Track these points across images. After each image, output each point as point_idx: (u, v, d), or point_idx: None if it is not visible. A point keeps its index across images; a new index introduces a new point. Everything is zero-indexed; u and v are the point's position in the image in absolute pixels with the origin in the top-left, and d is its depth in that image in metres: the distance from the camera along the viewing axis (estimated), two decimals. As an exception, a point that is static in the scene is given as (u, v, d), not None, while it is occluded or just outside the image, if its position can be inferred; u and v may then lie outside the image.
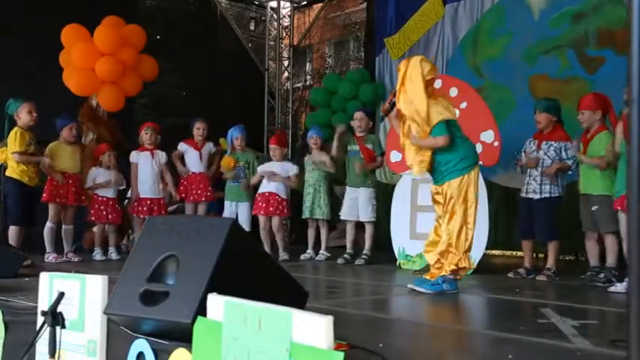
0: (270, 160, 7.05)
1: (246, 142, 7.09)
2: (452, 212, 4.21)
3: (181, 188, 6.99)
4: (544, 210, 5.16)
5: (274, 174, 6.68)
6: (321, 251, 6.81)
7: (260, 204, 6.70)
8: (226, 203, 6.98)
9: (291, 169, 6.81)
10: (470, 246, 4.27)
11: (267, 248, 6.77)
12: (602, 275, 4.80)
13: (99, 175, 6.58)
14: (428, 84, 4.23)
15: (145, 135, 6.77)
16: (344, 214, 6.57)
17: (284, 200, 6.75)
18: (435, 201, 4.38)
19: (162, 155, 6.81)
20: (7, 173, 6.03)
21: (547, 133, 5.23)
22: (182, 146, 6.99)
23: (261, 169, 6.84)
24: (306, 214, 6.81)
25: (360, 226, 6.69)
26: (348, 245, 6.62)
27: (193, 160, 6.95)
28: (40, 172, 6.17)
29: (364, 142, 6.44)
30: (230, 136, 7.01)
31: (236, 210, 6.89)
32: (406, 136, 4.33)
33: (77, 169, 6.38)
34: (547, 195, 5.15)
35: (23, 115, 5.94)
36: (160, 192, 6.81)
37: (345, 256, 6.46)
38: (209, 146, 7.02)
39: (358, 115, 6.54)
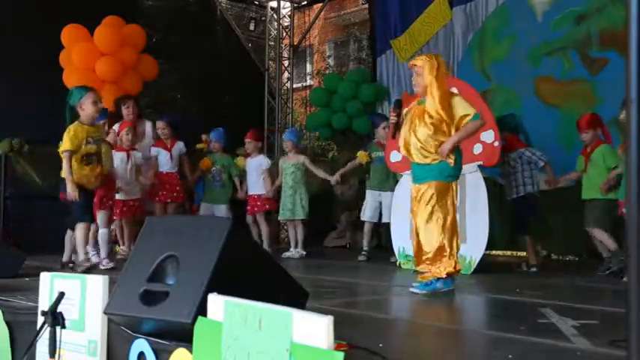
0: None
1: (224, 146, 7.27)
2: (431, 214, 4.07)
3: (149, 189, 6.79)
4: (518, 206, 5.79)
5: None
6: (297, 249, 7.04)
7: (249, 207, 7.24)
8: (203, 205, 7.14)
9: (263, 162, 7.21)
10: (458, 249, 4.23)
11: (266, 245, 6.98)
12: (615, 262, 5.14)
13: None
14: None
15: (126, 135, 6.29)
16: (366, 216, 6.83)
17: (264, 196, 7.14)
18: (417, 201, 4.17)
19: (138, 156, 6.46)
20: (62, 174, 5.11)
21: (505, 146, 5.76)
22: (154, 150, 6.85)
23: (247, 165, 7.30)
24: (286, 215, 7.06)
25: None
26: (365, 244, 6.91)
27: (163, 160, 6.86)
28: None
29: None
30: (211, 138, 7.33)
31: (213, 212, 6.99)
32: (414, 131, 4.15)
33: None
34: (522, 194, 5.73)
35: (87, 105, 5.05)
36: (138, 192, 6.50)
37: (364, 253, 6.78)
38: (179, 146, 6.95)
39: (382, 124, 6.76)
